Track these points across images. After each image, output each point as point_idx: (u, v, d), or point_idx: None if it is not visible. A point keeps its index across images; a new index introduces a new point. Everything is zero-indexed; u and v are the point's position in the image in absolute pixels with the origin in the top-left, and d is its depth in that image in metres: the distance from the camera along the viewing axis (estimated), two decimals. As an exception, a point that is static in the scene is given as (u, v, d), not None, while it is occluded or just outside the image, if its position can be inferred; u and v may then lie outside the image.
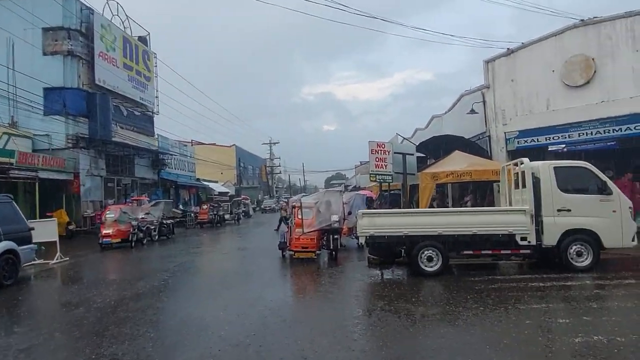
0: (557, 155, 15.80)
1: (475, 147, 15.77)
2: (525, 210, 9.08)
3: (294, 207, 13.34)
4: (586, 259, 8.93)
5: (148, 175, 29.54)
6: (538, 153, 15.54)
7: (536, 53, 14.58)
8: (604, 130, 13.04)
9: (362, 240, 9.38)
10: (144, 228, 17.28)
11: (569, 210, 9.00)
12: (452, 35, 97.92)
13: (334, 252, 12.02)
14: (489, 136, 15.72)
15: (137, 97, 28.01)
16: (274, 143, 77.52)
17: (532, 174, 9.32)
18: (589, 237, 8.95)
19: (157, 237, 18.71)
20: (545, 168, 9.29)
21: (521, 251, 9.07)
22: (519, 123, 14.92)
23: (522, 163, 9.53)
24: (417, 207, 13.37)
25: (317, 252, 12.04)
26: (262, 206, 53.89)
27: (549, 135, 14.16)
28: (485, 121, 15.92)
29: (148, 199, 23.72)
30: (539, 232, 9.08)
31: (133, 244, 16.20)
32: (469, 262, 9.91)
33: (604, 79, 13.12)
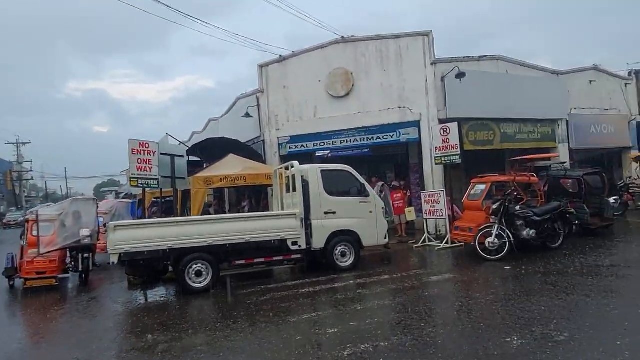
0: (325, 161, 16.88)
1: (251, 151, 15.57)
2: (296, 214, 8.96)
3: (26, 221, 10.44)
4: (349, 258, 9.37)
5: None
6: (307, 158, 16.30)
7: (305, 63, 15.31)
8: (360, 138, 14.50)
9: (113, 259, 7.68)
10: None
11: (334, 213, 9.29)
12: (234, 39, 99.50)
13: (84, 275, 9.79)
14: (264, 140, 15.77)
15: None
16: (23, 143, 63.96)
17: (302, 177, 9.32)
18: (351, 238, 9.42)
19: None
20: (313, 171, 9.41)
21: (293, 256, 8.91)
22: (290, 128, 15.40)
23: (292, 167, 9.44)
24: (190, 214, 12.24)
25: (60, 276, 9.61)
26: (5, 220, 43.36)
27: (317, 142, 15.01)
28: (260, 125, 15.92)
29: None
30: (309, 236, 9.10)
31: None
32: (243, 271, 9.29)
33: (361, 92, 14.62)
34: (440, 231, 13.15)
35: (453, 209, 12.40)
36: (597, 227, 11.58)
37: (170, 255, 8.12)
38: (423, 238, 12.33)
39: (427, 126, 13.70)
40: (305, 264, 9.47)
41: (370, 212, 9.65)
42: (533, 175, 10.79)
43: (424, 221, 12.61)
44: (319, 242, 9.14)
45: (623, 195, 15.39)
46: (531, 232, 9.41)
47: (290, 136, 15.41)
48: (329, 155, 14.86)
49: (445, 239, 11.54)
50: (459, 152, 12.39)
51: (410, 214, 13.62)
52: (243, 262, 8.55)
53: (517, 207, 9.44)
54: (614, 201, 12.02)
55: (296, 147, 15.33)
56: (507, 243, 9.14)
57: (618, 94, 18.53)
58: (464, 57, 14.36)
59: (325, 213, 9.24)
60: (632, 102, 18.89)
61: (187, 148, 14.67)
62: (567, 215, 10.15)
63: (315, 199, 9.21)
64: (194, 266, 8.09)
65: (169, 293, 8.47)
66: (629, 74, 19.07)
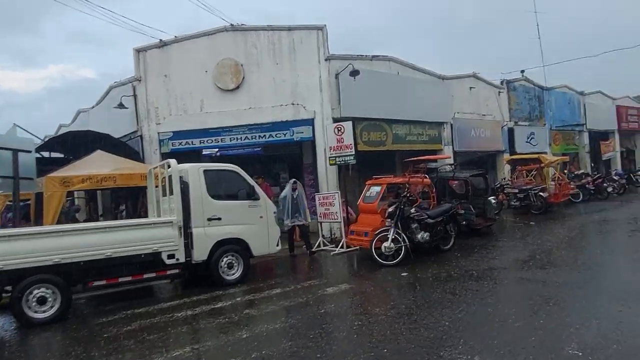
0: (213, 160, 15.48)
1: (126, 148, 13.59)
2: (172, 222, 7.63)
3: None
4: (237, 270, 8.28)
5: None
6: (193, 157, 14.77)
7: (190, 50, 13.79)
8: (252, 136, 13.44)
9: None
10: None
11: (219, 219, 8.13)
12: (121, 26, 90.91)
13: None
14: (141, 136, 13.88)
15: None
16: None
17: (181, 178, 8.00)
18: (239, 247, 8.34)
19: None
20: (194, 171, 8.14)
21: (169, 272, 7.57)
22: (173, 123, 13.75)
23: (169, 166, 8.07)
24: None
25: None
26: None
27: (204, 138, 13.59)
28: (137, 118, 13.99)
29: None
30: (189, 246, 7.83)
31: None
32: (106, 291, 7.66)
33: (252, 86, 13.56)
34: (335, 235, 12.65)
35: (348, 211, 11.96)
36: (482, 227, 12.00)
37: (3, 278, 6.29)
38: (318, 242, 11.71)
39: (321, 125, 13.12)
40: (186, 279, 8.18)
41: (261, 217, 8.67)
42: (426, 177, 10.75)
43: (319, 225, 11.99)
44: (201, 254, 7.90)
45: (498, 195, 16.47)
46: (425, 235, 9.23)
47: (173, 132, 13.75)
48: (218, 153, 13.54)
49: (341, 243, 11.02)
50: (354, 152, 11.98)
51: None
52: (104, 282, 6.99)
53: (412, 210, 9.20)
54: (494, 201, 12.58)
55: (180, 144, 13.74)
56: (403, 247, 8.82)
57: (493, 101, 19.99)
58: (357, 55, 14.07)
59: (209, 219, 8.03)
60: (504, 109, 20.53)
61: (41, 142, 12.24)
62: (457, 217, 10.24)
63: (197, 203, 7.96)
64: (35, 291, 6.35)
65: (3, 326, 6.59)
66: (501, 83, 20.70)
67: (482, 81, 19.50)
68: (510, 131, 20.72)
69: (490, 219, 12.27)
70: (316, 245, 11.62)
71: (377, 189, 9.98)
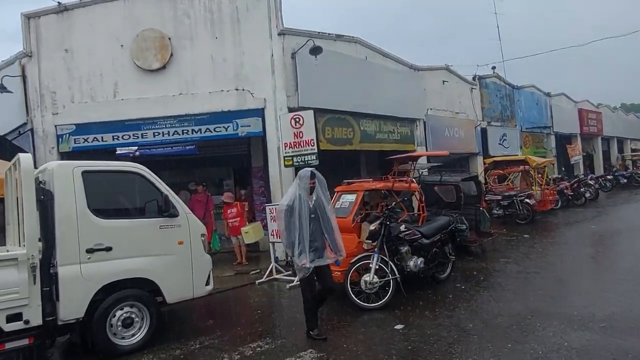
0: (134, 161, 12.35)
1: (10, 147, 10.13)
2: (17, 259, 4.49)
3: None
4: (140, 329, 5.23)
5: None
6: (104, 157, 11.49)
7: (100, 18, 10.56)
8: (183, 131, 10.40)
9: None
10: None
11: (108, 249, 5.05)
12: None
13: None
14: (33, 130, 10.46)
15: None
16: None
17: (41, 183, 4.90)
18: (143, 292, 5.31)
19: None
20: (65, 173, 5.01)
21: (8, 346, 4.41)
22: (76, 113, 10.44)
23: (19, 164, 4.90)
24: None
25: None
26: None
27: (118, 134, 10.38)
28: (27, 107, 10.57)
29: None
30: (52, 298, 4.72)
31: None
32: None
33: (183, 66, 10.54)
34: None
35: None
36: (476, 244, 9.58)
37: None
38: (269, 269, 8.83)
39: (273, 116, 10.25)
40: (47, 349, 5.04)
41: (181, 243, 5.66)
42: (413, 181, 8.14)
43: (270, 245, 9.09)
44: (73, 309, 4.80)
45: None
46: (419, 262, 6.58)
47: (75, 124, 10.40)
48: (137, 153, 10.32)
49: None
50: (316, 150, 9.22)
51: (248, 234, 10.00)
52: None
53: (402, 228, 6.51)
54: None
55: (86, 140, 10.41)
56: (392, 281, 6.12)
57: (466, 98, 17.93)
58: (319, 33, 11.33)
59: (90, 250, 4.94)
60: (477, 107, 18.56)
61: None
62: (457, 234, 7.70)
63: (68, 224, 4.85)
64: None
65: None
66: (474, 78, 18.74)
67: (455, 75, 17.38)
68: (484, 132, 18.75)
69: (485, 234, 9.88)
70: (267, 272, 8.75)
71: (351, 197, 7.22)
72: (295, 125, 9.35)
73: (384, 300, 6.03)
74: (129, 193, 5.46)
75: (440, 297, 6.43)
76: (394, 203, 7.24)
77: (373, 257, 6.16)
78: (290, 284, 7.97)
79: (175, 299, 5.59)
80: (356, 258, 6.30)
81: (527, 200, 13.62)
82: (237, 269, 10.14)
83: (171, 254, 5.56)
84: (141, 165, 5.60)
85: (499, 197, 13.99)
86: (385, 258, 6.25)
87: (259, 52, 10.39)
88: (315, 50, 10.04)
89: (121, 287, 5.12)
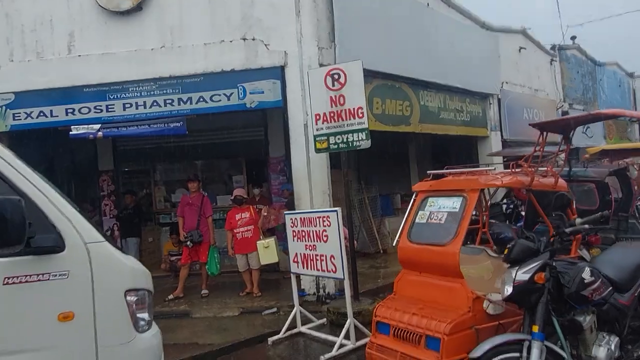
0: (102, 144, 9.33)
1: None
2: None
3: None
4: None
5: None
6: (55, 139, 8.38)
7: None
8: (166, 101, 7.08)
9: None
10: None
11: None
12: None
13: None
14: (-43, 102, 7.41)
15: None
16: None
17: None
18: None
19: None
20: None
21: None
22: (17, 77, 7.27)
23: None
24: None
25: None
26: None
27: (74, 106, 7.11)
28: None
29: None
30: None
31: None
32: None
33: (166, 6, 7.22)
34: (328, 293, 6.36)
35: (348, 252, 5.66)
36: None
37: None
38: (292, 316, 5.40)
39: (298, 77, 6.78)
40: None
41: (67, 317, 2.25)
42: (557, 175, 4.45)
43: (293, 277, 5.61)
44: None
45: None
46: (612, 345, 2.98)
47: (15, 93, 7.21)
48: (100, 134, 7.08)
49: (344, 331, 4.69)
50: (366, 125, 5.69)
51: (268, 251, 6.73)
52: None
53: (586, 272, 2.89)
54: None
55: (29, 115, 7.21)
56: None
57: (545, 72, 14.03)
58: (364, -39, 7.79)
59: None
60: (558, 84, 14.60)
61: None
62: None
63: None
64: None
65: None
66: (552, 48, 14.75)
67: (533, 42, 13.49)
68: (564, 115, 14.77)
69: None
70: (288, 323, 5.35)
71: (453, 204, 3.58)
72: (333, 86, 5.84)
73: None
74: None
75: None
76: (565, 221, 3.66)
77: (531, 349, 2.59)
78: (328, 356, 4.50)
79: None
80: (493, 344, 2.71)
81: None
82: (245, 305, 6.80)
83: (33, 348, 2.15)
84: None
85: None
86: (552, 347, 2.68)
87: (277, -17, 6.93)
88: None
89: None
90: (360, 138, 5.64)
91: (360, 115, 5.64)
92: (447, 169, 4.13)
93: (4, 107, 7.19)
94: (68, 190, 12.03)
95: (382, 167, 10.92)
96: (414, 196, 3.93)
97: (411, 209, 3.81)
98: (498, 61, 11.32)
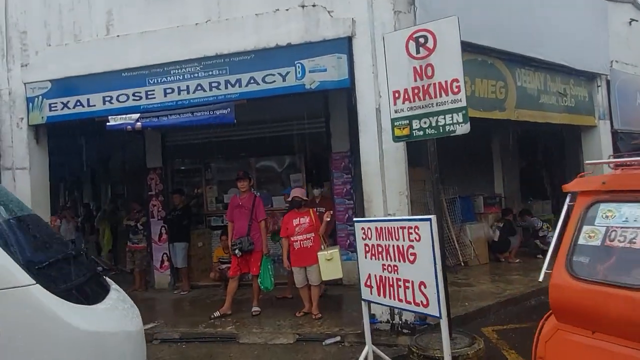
0: (150, 139, 8.52)
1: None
2: None
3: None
4: None
5: None
6: (92, 133, 7.61)
7: None
8: (211, 84, 6.01)
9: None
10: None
11: None
12: None
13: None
14: (-5, 92, 6.81)
15: None
16: None
17: None
18: None
19: None
20: None
21: None
22: (54, 63, 6.51)
23: None
24: None
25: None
26: None
27: (112, 93, 6.24)
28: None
29: None
30: None
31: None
32: None
33: (212, -27, 6.21)
34: (406, 321, 4.99)
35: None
36: None
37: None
38: (363, 355, 4.08)
39: (369, 50, 5.44)
40: None
41: None
42: None
43: (365, 307, 4.26)
44: None
45: None
46: None
47: (51, 80, 6.48)
48: (138, 124, 6.16)
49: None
50: (465, 103, 4.25)
51: (331, 264, 5.53)
52: None
53: None
54: None
55: (65, 105, 6.45)
56: None
57: (661, 50, 11.64)
58: None
59: None
60: (676, 64, 12.11)
61: None
62: None
63: None
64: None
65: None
66: (668, 21, 12.26)
67: (645, 13, 11.20)
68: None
69: None
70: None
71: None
72: (418, 53, 4.45)
73: None
74: None
75: None
76: None
77: None
78: None
79: None
80: None
81: None
82: (302, 330, 5.58)
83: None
84: None
85: None
86: None
87: None
88: None
89: None
90: (455, 121, 4.20)
91: (456, 90, 4.21)
92: (613, 157, 2.61)
93: (40, 97, 6.49)
94: (118, 189, 11.58)
95: (459, 165, 9.27)
96: (567, 201, 2.47)
97: (568, 221, 2.36)
98: (607, 35, 9.29)
